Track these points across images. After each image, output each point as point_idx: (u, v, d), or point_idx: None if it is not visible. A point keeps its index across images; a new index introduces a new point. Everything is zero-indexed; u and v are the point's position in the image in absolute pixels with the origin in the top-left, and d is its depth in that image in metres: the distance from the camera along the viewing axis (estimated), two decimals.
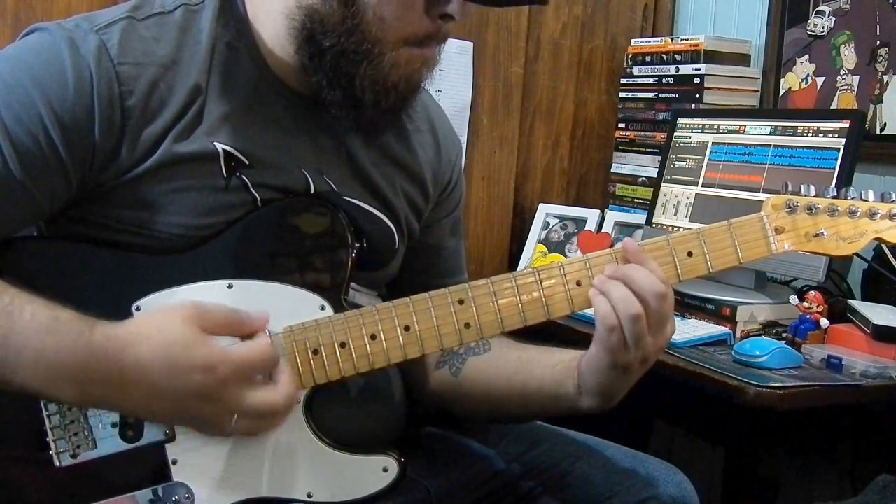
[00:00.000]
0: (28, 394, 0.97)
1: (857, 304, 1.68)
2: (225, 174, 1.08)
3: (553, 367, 1.16)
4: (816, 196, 1.11)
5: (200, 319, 0.97)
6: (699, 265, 1.09)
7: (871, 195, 1.10)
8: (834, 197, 1.10)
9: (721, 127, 1.99)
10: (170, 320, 0.97)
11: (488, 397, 1.24)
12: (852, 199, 1.10)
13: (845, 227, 1.09)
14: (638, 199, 2.35)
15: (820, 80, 2.16)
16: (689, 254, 1.08)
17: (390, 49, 1.06)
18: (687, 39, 2.30)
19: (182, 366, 0.94)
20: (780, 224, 1.10)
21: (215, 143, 1.07)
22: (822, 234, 1.09)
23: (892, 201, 1.09)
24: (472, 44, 2.33)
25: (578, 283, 1.07)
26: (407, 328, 1.06)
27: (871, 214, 1.09)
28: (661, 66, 2.34)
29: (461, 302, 1.07)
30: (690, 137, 2.05)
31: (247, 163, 1.09)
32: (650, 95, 2.36)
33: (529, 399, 1.19)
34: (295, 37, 1.08)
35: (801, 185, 1.12)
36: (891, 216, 1.08)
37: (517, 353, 1.22)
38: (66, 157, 1.02)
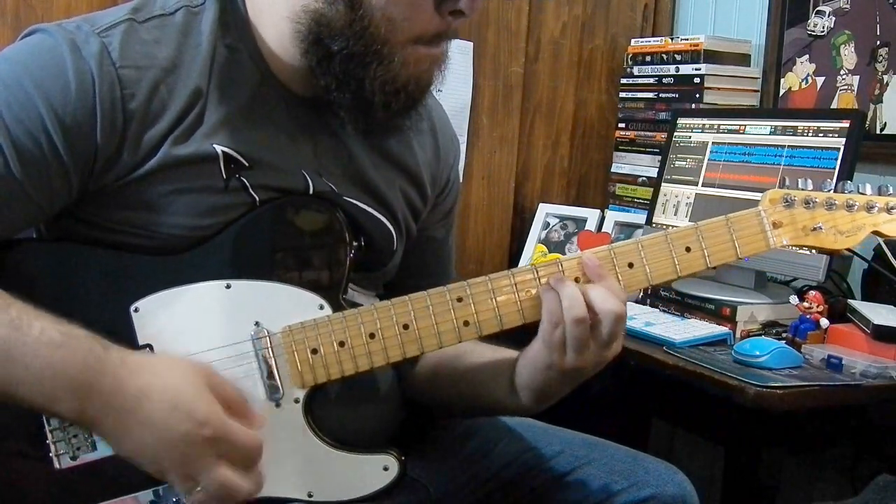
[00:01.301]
0: (28, 408, 0.97)
1: (857, 304, 1.68)
2: (224, 176, 1.08)
3: (494, 358, 1.18)
4: (814, 190, 1.11)
5: (211, 380, 0.99)
6: (697, 260, 1.09)
7: (868, 189, 1.10)
8: (831, 191, 1.10)
9: (721, 127, 1.99)
10: (188, 366, 0.99)
11: (434, 383, 1.25)
12: (849, 192, 1.10)
13: (843, 221, 1.09)
14: (638, 198, 2.35)
15: (820, 80, 2.16)
16: (688, 249, 1.09)
17: (400, 49, 1.05)
18: (687, 39, 2.30)
19: (181, 409, 0.95)
20: (778, 218, 1.10)
21: (214, 146, 1.07)
22: (820, 227, 1.09)
23: (889, 195, 1.09)
24: (472, 44, 2.33)
25: (577, 280, 1.07)
26: (406, 327, 1.06)
27: (869, 208, 1.09)
28: (661, 66, 2.34)
29: (460, 300, 1.06)
30: (690, 137, 2.05)
31: (246, 164, 1.09)
32: (650, 95, 2.36)
33: (466, 386, 1.21)
34: (301, 41, 1.07)
35: (799, 180, 1.12)
36: (888, 209, 1.08)
37: (472, 345, 1.21)
38: (67, 159, 1.02)
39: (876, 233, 1.09)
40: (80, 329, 0.97)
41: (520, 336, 1.11)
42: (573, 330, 1.03)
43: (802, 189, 1.11)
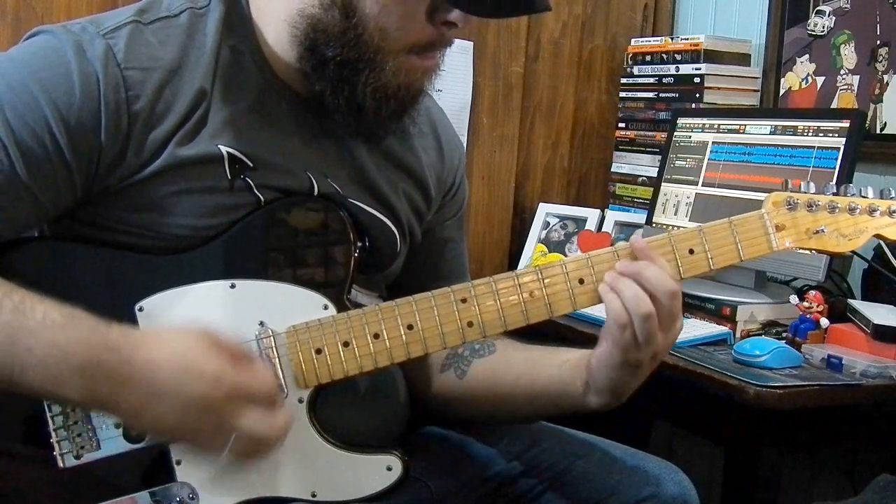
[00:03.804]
0: (34, 394, 0.97)
1: (858, 304, 1.69)
2: (229, 176, 1.08)
3: (560, 366, 1.17)
4: (816, 193, 1.11)
5: (213, 338, 0.98)
6: (701, 262, 1.09)
7: (870, 192, 1.10)
8: (834, 194, 1.11)
9: (721, 126, 1.99)
10: (187, 332, 0.98)
11: (495, 399, 1.24)
12: (852, 195, 1.10)
13: (845, 224, 1.09)
14: (638, 198, 2.35)
15: (820, 80, 2.16)
16: (691, 251, 1.09)
17: (392, 58, 1.06)
18: (687, 39, 2.30)
19: (192, 372, 0.95)
20: (781, 221, 1.10)
21: (219, 146, 1.07)
22: (823, 231, 1.09)
23: (891, 198, 1.09)
24: (472, 44, 2.33)
25: (581, 281, 1.07)
26: (410, 327, 1.06)
27: (871, 211, 1.09)
28: (661, 66, 2.34)
29: (464, 300, 1.07)
30: (690, 137, 2.05)
31: (251, 165, 1.09)
32: (650, 95, 2.36)
33: (536, 399, 1.19)
34: (297, 45, 1.08)
35: (802, 183, 1.12)
36: (890, 213, 1.09)
37: (523, 354, 1.22)
38: (72, 160, 1.03)
39: (878, 236, 1.10)
40: (79, 310, 0.97)
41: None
42: (642, 325, 1.03)
43: (805, 192, 1.11)
